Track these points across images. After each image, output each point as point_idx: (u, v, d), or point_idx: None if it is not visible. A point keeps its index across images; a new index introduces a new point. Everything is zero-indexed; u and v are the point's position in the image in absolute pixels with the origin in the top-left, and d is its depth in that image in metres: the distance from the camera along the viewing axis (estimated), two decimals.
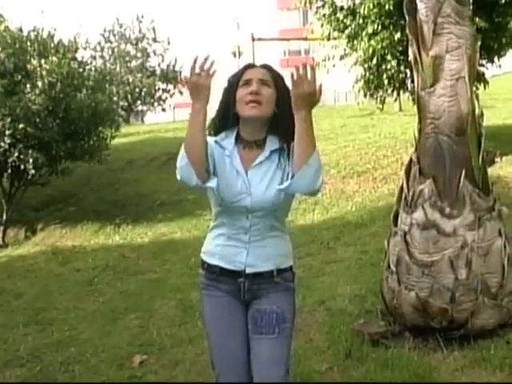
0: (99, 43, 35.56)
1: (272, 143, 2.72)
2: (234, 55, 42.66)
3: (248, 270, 2.73)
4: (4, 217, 12.84)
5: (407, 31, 4.79)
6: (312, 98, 2.49)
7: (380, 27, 9.57)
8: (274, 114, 2.70)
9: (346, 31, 10.22)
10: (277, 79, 2.73)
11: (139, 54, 35.69)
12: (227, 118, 2.74)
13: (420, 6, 4.52)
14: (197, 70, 2.51)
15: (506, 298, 4.32)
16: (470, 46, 4.45)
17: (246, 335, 2.80)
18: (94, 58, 34.06)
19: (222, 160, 2.71)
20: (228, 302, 2.79)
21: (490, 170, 9.39)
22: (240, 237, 2.72)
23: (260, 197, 2.66)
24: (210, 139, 2.74)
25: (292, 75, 2.48)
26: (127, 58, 35.35)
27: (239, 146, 2.74)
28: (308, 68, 2.46)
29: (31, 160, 11.27)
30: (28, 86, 11.41)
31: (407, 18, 4.72)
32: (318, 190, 2.66)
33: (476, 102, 4.63)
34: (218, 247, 2.77)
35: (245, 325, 2.80)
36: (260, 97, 2.65)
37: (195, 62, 2.51)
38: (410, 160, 4.67)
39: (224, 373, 2.79)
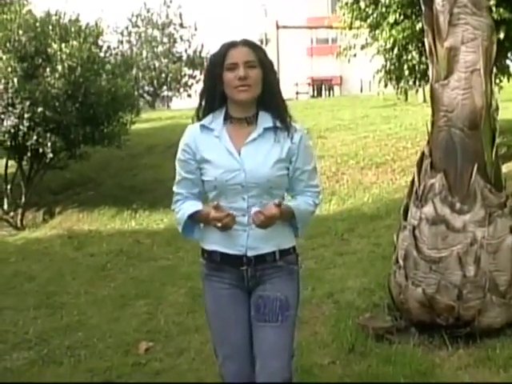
0: (126, 28, 35.72)
1: (265, 120, 2.72)
2: (261, 42, 42.59)
3: (249, 253, 2.70)
4: (23, 199, 12.93)
5: (423, 21, 4.69)
6: None
7: (402, 17, 9.42)
8: (261, 90, 2.71)
9: (368, 20, 10.07)
10: (261, 57, 2.71)
11: (166, 40, 35.81)
12: (214, 99, 2.74)
13: None
14: (219, 225, 2.61)
15: None
16: (486, 37, 4.34)
17: (248, 324, 2.78)
18: (121, 42, 34.26)
19: (209, 143, 2.72)
20: (229, 293, 2.77)
21: (509, 165, 9.34)
22: (239, 219, 2.68)
23: (254, 172, 2.66)
24: (196, 125, 2.76)
25: (253, 220, 2.64)
26: (154, 43, 35.49)
27: (228, 125, 2.74)
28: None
29: (49, 144, 11.32)
30: (48, 69, 11.44)
31: (423, 7, 4.62)
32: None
33: (492, 96, 4.51)
34: (217, 232, 2.71)
35: (247, 314, 2.78)
36: (248, 80, 2.64)
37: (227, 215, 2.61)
38: (423, 153, 4.58)
39: (226, 363, 2.78)
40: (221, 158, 2.69)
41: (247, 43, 2.73)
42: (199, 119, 2.77)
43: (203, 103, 2.78)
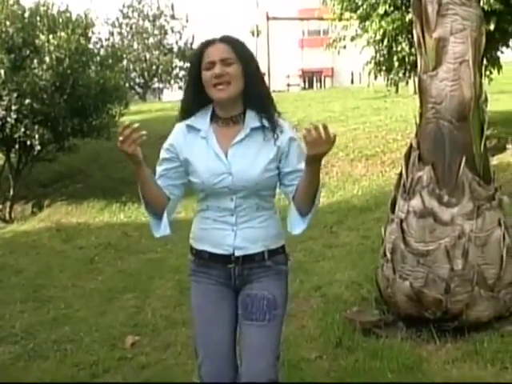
0: (117, 19, 35.60)
1: (252, 119, 2.63)
2: (253, 34, 42.49)
3: (237, 253, 2.65)
4: (11, 192, 12.86)
5: (411, 12, 4.64)
6: (326, 154, 2.46)
7: (392, 8, 9.36)
8: (244, 86, 2.61)
9: (358, 11, 10.01)
10: (239, 51, 2.61)
11: (157, 31, 35.71)
12: (196, 100, 2.65)
13: None
14: (120, 138, 2.40)
15: (504, 290, 4.19)
16: (475, 28, 4.28)
17: (232, 325, 2.73)
18: (112, 34, 34.14)
19: (196, 145, 2.64)
20: (216, 289, 2.72)
21: (500, 157, 9.33)
22: (226, 219, 2.64)
23: (241, 176, 2.58)
24: (182, 124, 2.68)
25: (305, 137, 2.41)
26: (145, 35, 35.39)
27: (215, 125, 2.66)
28: (321, 128, 2.38)
29: (37, 136, 11.25)
30: (35, 61, 11.35)
31: None
32: None
33: (481, 87, 4.47)
34: (205, 231, 2.69)
35: (233, 314, 2.73)
36: (226, 77, 2.56)
37: (123, 128, 2.42)
38: (411, 145, 4.54)
39: (206, 362, 2.71)
40: (208, 161, 2.61)
41: (224, 39, 2.63)
42: (182, 119, 2.69)
43: (185, 105, 2.69)
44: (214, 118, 2.66)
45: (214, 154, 2.61)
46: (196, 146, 2.64)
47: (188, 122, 2.66)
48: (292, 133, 2.68)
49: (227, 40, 2.63)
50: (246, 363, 2.65)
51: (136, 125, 2.44)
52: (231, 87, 2.56)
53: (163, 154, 2.70)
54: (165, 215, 2.67)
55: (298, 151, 2.65)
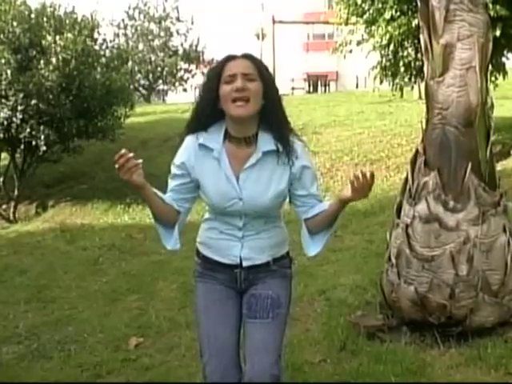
0: (123, 20, 35.61)
1: (265, 142, 2.61)
2: (258, 37, 42.47)
3: (244, 264, 2.69)
4: (15, 192, 12.86)
5: (419, 18, 4.65)
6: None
7: (398, 13, 9.37)
8: (262, 106, 2.58)
9: (364, 16, 10.02)
10: (261, 70, 2.59)
11: (162, 33, 35.71)
12: (208, 116, 2.62)
13: None
14: (116, 166, 2.40)
15: (508, 295, 4.21)
16: (482, 34, 4.29)
17: (237, 325, 2.76)
18: (117, 35, 34.14)
19: (208, 165, 2.63)
20: (222, 289, 2.75)
21: (504, 163, 9.32)
22: (233, 232, 2.68)
23: (252, 201, 2.60)
24: (194, 141, 2.64)
25: (352, 183, 2.47)
26: (150, 37, 35.39)
27: (228, 145, 2.63)
28: (368, 176, 2.46)
29: (43, 136, 11.25)
30: (42, 61, 11.35)
31: (419, 3, 4.58)
32: None
33: (487, 93, 4.48)
34: (212, 240, 2.73)
35: (237, 314, 2.76)
36: (246, 92, 2.52)
37: (118, 157, 2.41)
38: (417, 151, 4.55)
39: (211, 361, 2.72)
40: (219, 183, 2.61)
41: (246, 56, 2.62)
42: (189, 133, 2.67)
43: (195, 121, 2.66)
44: (226, 136, 2.63)
45: (226, 178, 2.61)
46: (207, 167, 2.62)
47: (201, 140, 2.62)
48: (306, 160, 2.68)
49: (250, 57, 2.62)
50: (249, 360, 2.68)
51: (131, 154, 2.42)
52: (250, 105, 2.53)
53: (174, 170, 2.70)
54: (176, 230, 2.69)
55: (311, 176, 2.70)
